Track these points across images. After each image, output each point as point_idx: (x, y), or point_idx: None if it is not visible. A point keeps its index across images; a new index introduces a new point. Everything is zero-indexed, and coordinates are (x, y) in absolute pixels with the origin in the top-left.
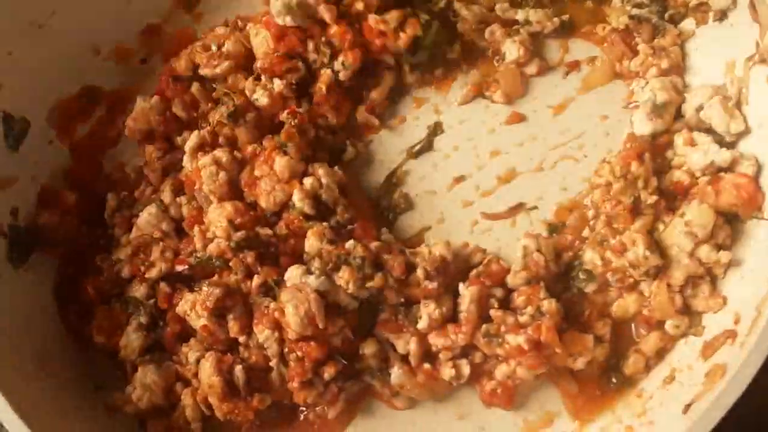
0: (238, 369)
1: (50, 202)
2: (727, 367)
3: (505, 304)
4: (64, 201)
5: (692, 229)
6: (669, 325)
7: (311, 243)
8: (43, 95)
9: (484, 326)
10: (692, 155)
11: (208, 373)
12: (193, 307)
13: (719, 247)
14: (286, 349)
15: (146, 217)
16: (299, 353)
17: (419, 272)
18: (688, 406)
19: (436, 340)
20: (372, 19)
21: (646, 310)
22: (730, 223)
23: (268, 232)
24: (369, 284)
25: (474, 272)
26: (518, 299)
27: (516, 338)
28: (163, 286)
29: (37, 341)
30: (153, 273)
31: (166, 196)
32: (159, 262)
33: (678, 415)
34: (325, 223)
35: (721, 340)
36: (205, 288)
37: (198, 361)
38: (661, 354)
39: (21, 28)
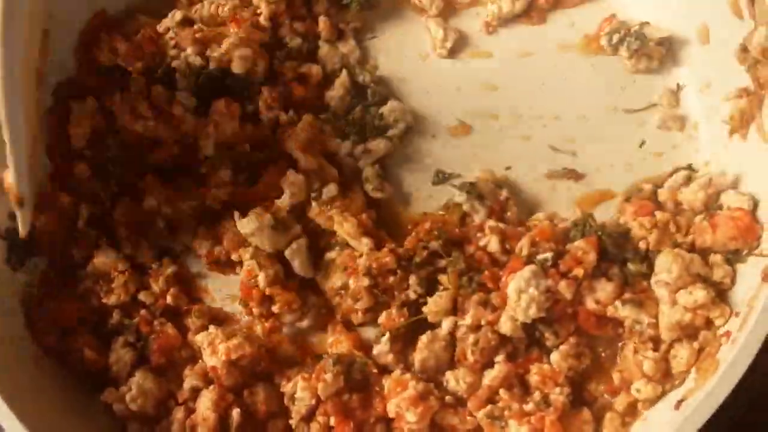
0: (236, 412)
1: (46, 204)
2: (719, 363)
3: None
4: (59, 203)
5: (659, 277)
6: (632, 388)
7: None
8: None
9: (489, 407)
10: (685, 192)
11: (205, 405)
12: (213, 343)
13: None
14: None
15: (101, 260)
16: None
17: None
18: (680, 402)
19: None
20: None
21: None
22: (730, 264)
23: None
24: None
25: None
26: (533, 377)
27: (519, 428)
28: (144, 314)
29: (34, 342)
30: (111, 299)
31: (122, 232)
32: (119, 291)
33: (670, 411)
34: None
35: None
36: (236, 340)
37: (193, 389)
38: (632, 411)
39: None
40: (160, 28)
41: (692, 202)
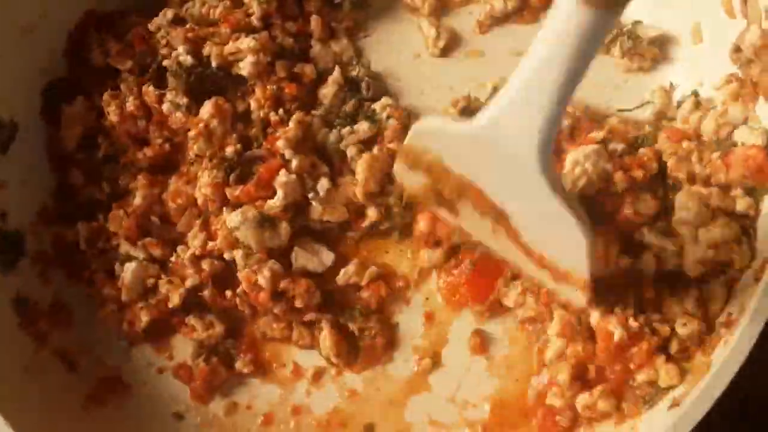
0: None
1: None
2: (712, 363)
3: None
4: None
5: (678, 215)
6: (677, 325)
7: None
8: (32, 98)
9: None
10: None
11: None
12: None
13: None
14: None
15: (130, 277)
16: None
17: None
18: (672, 404)
19: None
20: None
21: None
22: (752, 195)
23: None
24: None
25: None
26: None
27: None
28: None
29: (26, 346)
30: (142, 326)
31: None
32: (144, 316)
33: (664, 411)
34: None
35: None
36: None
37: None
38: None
39: (11, 32)
40: (152, 26)
41: (708, 131)
